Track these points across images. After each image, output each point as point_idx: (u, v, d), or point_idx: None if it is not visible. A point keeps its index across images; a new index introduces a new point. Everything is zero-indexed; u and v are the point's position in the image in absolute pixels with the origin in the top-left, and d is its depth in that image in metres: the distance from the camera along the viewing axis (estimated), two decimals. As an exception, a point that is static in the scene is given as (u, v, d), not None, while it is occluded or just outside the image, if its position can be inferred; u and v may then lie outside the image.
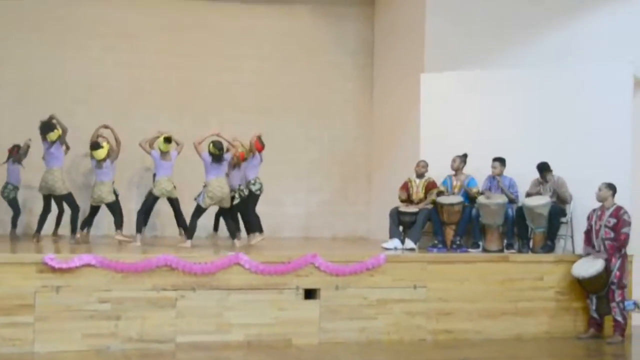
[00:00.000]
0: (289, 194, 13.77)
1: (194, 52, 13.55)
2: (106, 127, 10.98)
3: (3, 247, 9.94)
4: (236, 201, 10.75)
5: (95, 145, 10.58)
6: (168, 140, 10.61)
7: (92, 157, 10.59)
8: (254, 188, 10.66)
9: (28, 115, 12.38)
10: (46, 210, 11.03)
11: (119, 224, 10.61)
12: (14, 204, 11.59)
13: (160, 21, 13.43)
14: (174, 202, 10.87)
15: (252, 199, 10.73)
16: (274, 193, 12.79)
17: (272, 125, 13.27)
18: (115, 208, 10.69)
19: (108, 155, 10.58)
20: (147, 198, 10.75)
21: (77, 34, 13.04)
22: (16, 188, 11.59)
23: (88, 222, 10.83)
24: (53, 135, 10.47)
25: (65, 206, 11.27)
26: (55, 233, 11.69)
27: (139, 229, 10.56)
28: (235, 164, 11.09)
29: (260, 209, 11.17)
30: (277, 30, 13.99)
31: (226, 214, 10.89)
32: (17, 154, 11.53)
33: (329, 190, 14.23)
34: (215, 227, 12.33)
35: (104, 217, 11.61)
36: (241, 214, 11.00)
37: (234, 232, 10.65)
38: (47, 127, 10.50)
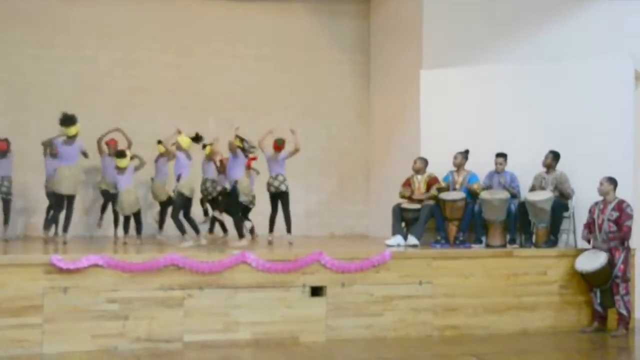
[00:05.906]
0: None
1: (190, 50, 13.55)
2: (118, 130, 10.88)
3: (9, 249, 9.88)
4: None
5: (119, 154, 10.35)
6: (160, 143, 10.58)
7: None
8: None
9: (22, 115, 12.38)
10: (59, 207, 10.42)
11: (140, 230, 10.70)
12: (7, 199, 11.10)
13: (155, 19, 13.41)
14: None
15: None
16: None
17: (269, 123, 13.05)
18: (140, 216, 10.68)
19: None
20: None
21: (70, 32, 13.00)
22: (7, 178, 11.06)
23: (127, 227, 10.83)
24: (73, 130, 9.92)
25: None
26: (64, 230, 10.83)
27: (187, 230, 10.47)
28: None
29: (259, 207, 11.16)
30: (275, 29, 14.02)
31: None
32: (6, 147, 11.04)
33: (327, 189, 14.27)
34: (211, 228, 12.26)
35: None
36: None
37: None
38: (68, 120, 9.90)
